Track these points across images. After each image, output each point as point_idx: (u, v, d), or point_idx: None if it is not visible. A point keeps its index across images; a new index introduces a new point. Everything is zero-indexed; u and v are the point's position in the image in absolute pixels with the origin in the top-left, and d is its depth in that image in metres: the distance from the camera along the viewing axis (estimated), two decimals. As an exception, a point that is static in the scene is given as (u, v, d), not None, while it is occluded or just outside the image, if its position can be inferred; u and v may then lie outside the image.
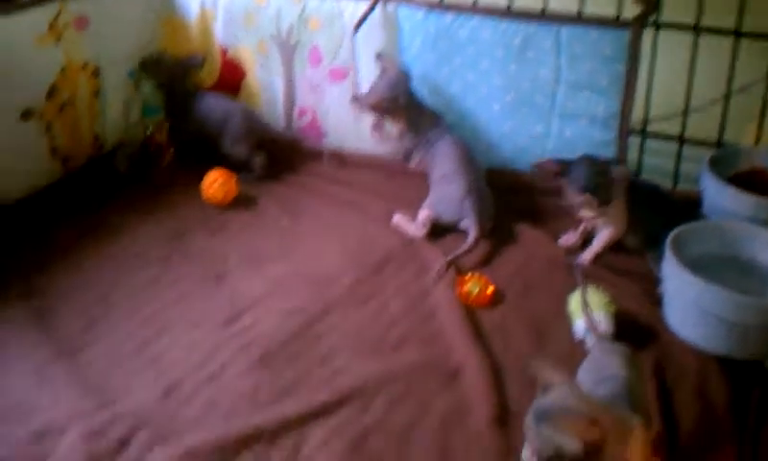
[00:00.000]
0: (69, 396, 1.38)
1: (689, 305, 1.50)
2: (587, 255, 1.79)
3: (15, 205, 1.93)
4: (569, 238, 1.86)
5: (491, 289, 1.68)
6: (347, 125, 2.25)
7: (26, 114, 1.97)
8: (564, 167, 1.76)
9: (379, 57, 2.09)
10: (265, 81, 2.31)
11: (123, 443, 1.29)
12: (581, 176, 1.72)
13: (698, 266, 1.54)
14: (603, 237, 1.79)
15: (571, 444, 0.99)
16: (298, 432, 1.33)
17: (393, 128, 2.06)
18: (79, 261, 1.79)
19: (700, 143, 2.07)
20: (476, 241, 1.81)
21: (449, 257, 1.76)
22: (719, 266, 1.61)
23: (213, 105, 2.21)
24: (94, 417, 1.33)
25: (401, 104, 2.00)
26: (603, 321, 1.49)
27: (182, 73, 2.23)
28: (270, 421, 1.34)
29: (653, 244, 1.70)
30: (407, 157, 2.07)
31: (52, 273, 1.74)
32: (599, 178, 1.72)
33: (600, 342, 1.36)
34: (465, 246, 1.80)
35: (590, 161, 1.75)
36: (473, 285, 1.67)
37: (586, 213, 1.75)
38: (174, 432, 1.31)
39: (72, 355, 1.49)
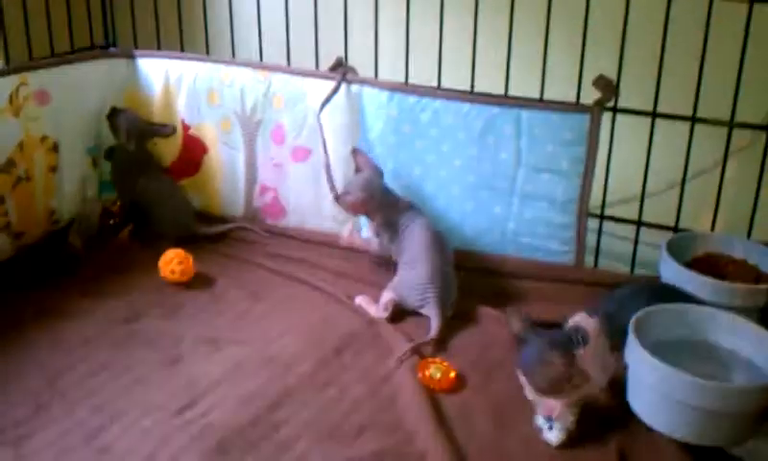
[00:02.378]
0: (12, 489, 1.31)
1: (652, 390, 1.49)
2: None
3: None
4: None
5: (453, 374, 1.65)
6: (308, 204, 2.25)
7: (-21, 188, 1.93)
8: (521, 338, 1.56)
9: (354, 152, 2.09)
10: (227, 157, 2.30)
11: None
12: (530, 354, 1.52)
13: (660, 350, 1.53)
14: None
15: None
16: (254, 527, 1.27)
17: (369, 225, 2.04)
18: (28, 343, 1.73)
19: (657, 227, 2.11)
20: (438, 331, 1.79)
21: (411, 345, 1.73)
22: (681, 350, 1.61)
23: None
24: (37, 513, 1.26)
25: (377, 202, 1.99)
26: (562, 412, 1.48)
27: (146, 134, 2.24)
28: (225, 515, 1.28)
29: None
30: (385, 251, 2.03)
31: (-1, 354, 1.68)
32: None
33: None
34: (427, 336, 1.78)
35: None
36: (435, 370, 1.65)
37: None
38: (122, 529, 1.25)
39: (17, 444, 1.42)
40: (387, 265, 2.02)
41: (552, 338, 1.53)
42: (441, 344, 1.78)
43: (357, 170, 2.07)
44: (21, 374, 1.62)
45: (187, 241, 2.12)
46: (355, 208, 2.01)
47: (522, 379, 1.52)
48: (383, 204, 1.99)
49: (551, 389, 1.47)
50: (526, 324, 1.59)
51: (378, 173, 2.05)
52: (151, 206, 2.21)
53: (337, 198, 2.02)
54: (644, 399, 1.52)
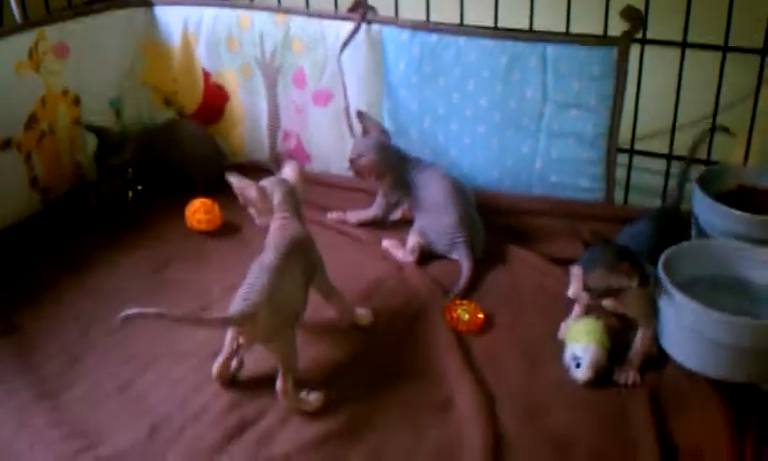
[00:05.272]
0: (51, 439, 1.34)
1: (684, 329, 1.47)
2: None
3: (-6, 237, 1.89)
4: None
5: (481, 316, 1.65)
6: (331, 148, 2.23)
7: (4, 145, 1.94)
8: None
9: (360, 115, 2.03)
10: (249, 104, 2.29)
11: (106, 488, 1.25)
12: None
13: (691, 288, 1.51)
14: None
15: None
16: (287, 469, 1.29)
17: (379, 187, 2.00)
18: (60, 295, 1.75)
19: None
20: (471, 275, 1.78)
21: (451, 294, 1.73)
22: (712, 287, 1.59)
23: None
24: (76, 461, 1.29)
25: (390, 164, 1.95)
26: (590, 351, 1.48)
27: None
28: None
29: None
30: (389, 211, 2.01)
31: (33, 308, 1.71)
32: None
33: None
34: (459, 284, 1.76)
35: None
36: (463, 312, 1.65)
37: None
38: (159, 474, 1.28)
39: (54, 396, 1.45)
40: (382, 226, 2.01)
41: (623, 249, 1.51)
42: (469, 285, 1.78)
43: (364, 133, 2.03)
44: (55, 326, 1.65)
45: (215, 188, 2.11)
46: (369, 171, 1.96)
47: (575, 273, 1.48)
48: (395, 164, 1.96)
49: (603, 292, 1.47)
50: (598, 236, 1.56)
51: (387, 134, 2.02)
52: (182, 148, 2.18)
53: (350, 162, 1.99)
54: (675, 337, 1.51)
